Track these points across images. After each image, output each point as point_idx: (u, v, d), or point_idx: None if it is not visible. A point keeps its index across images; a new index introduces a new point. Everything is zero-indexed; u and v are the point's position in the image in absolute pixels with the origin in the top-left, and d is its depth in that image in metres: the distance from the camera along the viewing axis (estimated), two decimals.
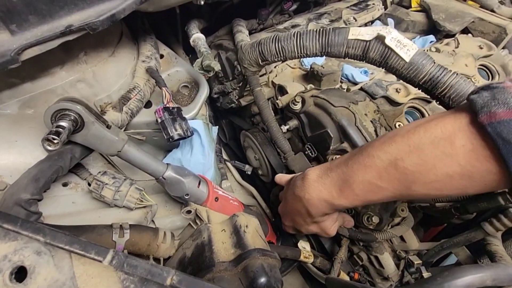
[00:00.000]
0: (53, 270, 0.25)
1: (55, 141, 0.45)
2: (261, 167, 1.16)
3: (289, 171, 0.82)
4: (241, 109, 1.14)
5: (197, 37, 0.75)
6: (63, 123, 0.47)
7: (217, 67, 0.66)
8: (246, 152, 1.19)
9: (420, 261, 0.76)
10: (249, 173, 1.13)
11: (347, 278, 0.83)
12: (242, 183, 1.12)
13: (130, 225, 0.51)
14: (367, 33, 0.56)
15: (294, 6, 1.31)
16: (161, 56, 0.78)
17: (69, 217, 0.58)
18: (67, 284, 0.24)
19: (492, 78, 1.01)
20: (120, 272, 0.25)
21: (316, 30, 0.62)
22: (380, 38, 0.54)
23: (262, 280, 0.42)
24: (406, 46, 0.52)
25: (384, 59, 0.55)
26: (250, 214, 0.78)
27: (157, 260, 0.54)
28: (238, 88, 1.03)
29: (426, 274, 0.73)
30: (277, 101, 0.89)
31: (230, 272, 0.44)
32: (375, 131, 0.75)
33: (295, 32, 0.66)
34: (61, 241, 0.25)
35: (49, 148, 0.45)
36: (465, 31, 1.09)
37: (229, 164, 1.15)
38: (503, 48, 1.10)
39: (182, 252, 0.53)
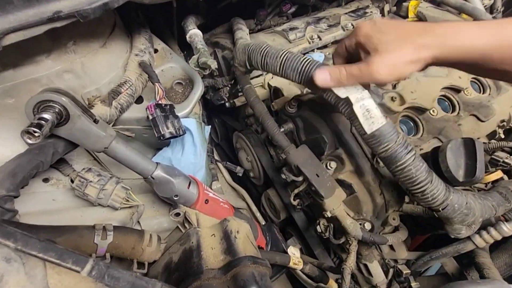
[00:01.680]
0: (24, 280, 0.22)
1: (36, 134, 0.42)
2: (253, 170, 1.15)
3: (290, 168, 0.74)
4: (235, 110, 1.12)
5: (194, 33, 0.72)
6: (46, 115, 0.44)
7: (213, 65, 0.63)
8: (238, 153, 1.17)
9: (409, 271, 0.76)
10: (241, 175, 1.11)
11: (335, 285, 0.82)
12: (233, 185, 1.10)
13: (114, 226, 0.49)
14: (344, 87, 0.54)
15: (293, 9, 1.30)
16: (155, 51, 0.75)
17: (48, 216, 0.54)
18: None
19: (483, 92, 1.02)
20: (100, 284, 0.23)
21: (301, 61, 0.59)
22: (348, 102, 0.53)
23: None
24: (372, 118, 0.52)
25: (351, 120, 0.55)
26: (241, 219, 0.76)
27: (141, 264, 0.51)
28: (229, 85, 1.01)
29: (414, 284, 0.73)
30: (272, 104, 0.88)
31: (219, 280, 0.42)
32: None
33: (283, 53, 0.63)
34: (34, 247, 0.22)
35: (29, 141, 0.42)
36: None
37: (220, 165, 1.13)
38: None
39: (169, 256, 0.50)
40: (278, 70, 0.63)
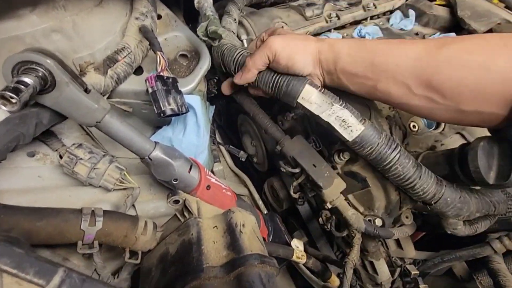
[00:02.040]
0: None
1: (13, 101, 0.35)
2: (257, 155, 1.09)
3: (286, 159, 0.73)
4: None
5: None
6: (26, 79, 0.37)
7: (224, 34, 0.56)
8: (243, 137, 1.11)
9: (417, 272, 0.72)
10: (243, 159, 1.05)
11: (337, 280, 0.78)
12: (235, 170, 1.04)
13: (104, 211, 0.43)
14: (316, 103, 0.55)
15: None
16: (159, 17, 0.67)
17: (32, 194, 0.49)
18: None
19: None
20: None
21: (273, 75, 0.58)
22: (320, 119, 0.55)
23: None
24: (350, 127, 0.53)
25: (330, 131, 0.56)
26: (244, 208, 0.71)
27: (134, 253, 0.46)
28: (215, 79, 0.93)
29: (423, 286, 0.70)
30: None
31: (221, 279, 0.37)
32: (390, 129, 0.68)
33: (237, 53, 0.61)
34: None
35: (5, 108, 0.35)
36: (489, 32, 1.02)
37: (222, 148, 1.07)
38: None
39: (165, 247, 0.45)
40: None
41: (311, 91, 0.54)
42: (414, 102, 0.50)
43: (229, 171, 1.04)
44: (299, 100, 0.56)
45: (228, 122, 1.27)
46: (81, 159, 0.52)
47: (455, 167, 0.58)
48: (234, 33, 0.76)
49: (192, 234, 0.43)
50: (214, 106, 0.93)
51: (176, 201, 0.47)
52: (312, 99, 0.55)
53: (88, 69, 0.51)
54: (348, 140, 0.54)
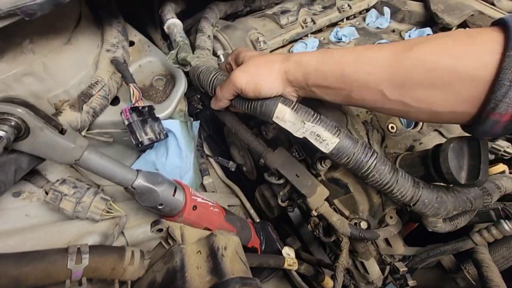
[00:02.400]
0: None
1: None
2: (245, 164, 1.11)
3: (271, 172, 0.75)
4: None
5: (172, 23, 0.65)
6: (0, 131, 0.39)
7: (194, 61, 0.57)
8: (230, 148, 1.13)
9: (406, 269, 0.74)
10: (233, 169, 1.07)
11: (331, 282, 0.81)
12: (226, 181, 1.06)
13: (90, 247, 0.45)
14: (290, 121, 0.56)
15: None
16: (131, 43, 0.68)
17: (20, 234, 0.50)
18: None
19: None
20: None
21: (245, 100, 0.60)
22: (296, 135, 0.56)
23: None
24: (325, 141, 0.55)
25: (307, 145, 0.57)
26: (233, 221, 0.73)
27: (123, 283, 0.48)
28: (199, 95, 0.94)
29: (411, 283, 0.72)
30: None
31: None
32: (367, 134, 0.70)
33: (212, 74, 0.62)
34: None
35: None
36: (463, 25, 1.04)
37: (211, 160, 1.08)
38: None
39: (153, 275, 0.47)
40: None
41: (284, 110, 0.56)
42: (389, 106, 0.51)
43: (220, 182, 1.06)
44: (274, 119, 0.57)
45: (217, 131, 1.29)
46: (65, 195, 0.53)
47: (430, 169, 0.60)
48: (209, 50, 0.77)
49: (176, 262, 0.45)
50: (199, 121, 0.94)
51: (160, 230, 0.49)
52: (286, 117, 0.56)
53: (64, 107, 0.52)
54: (325, 152, 0.56)
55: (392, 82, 0.48)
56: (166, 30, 0.65)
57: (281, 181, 0.73)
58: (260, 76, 0.54)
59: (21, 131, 0.42)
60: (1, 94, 0.47)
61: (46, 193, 0.55)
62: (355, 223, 0.72)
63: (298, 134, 0.56)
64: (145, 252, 0.52)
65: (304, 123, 0.54)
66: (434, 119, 0.51)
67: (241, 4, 1.08)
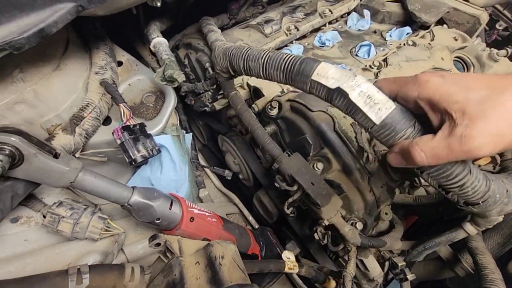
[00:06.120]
0: None
1: None
2: (241, 172, 1.12)
3: (283, 177, 0.70)
4: (216, 112, 1.08)
5: (158, 42, 0.67)
6: None
7: (180, 78, 0.59)
8: (225, 156, 1.14)
9: (404, 263, 0.75)
10: (229, 178, 1.08)
11: (333, 283, 0.81)
12: (223, 190, 1.07)
13: (90, 266, 0.45)
14: (334, 78, 0.45)
15: None
16: (120, 64, 0.70)
17: (20, 259, 0.51)
18: None
19: (467, 70, 1.00)
20: None
21: (284, 58, 0.52)
22: (342, 93, 0.44)
23: None
24: (377, 104, 0.41)
25: (351, 113, 0.45)
26: (231, 230, 0.74)
27: None
28: (211, 91, 0.96)
29: (410, 276, 0.73)
30: (253, 105, 0.84)
31: None
32: (355, 136, 0.72)
33: (264, 54, 0.57)
34: None
35: None
36: (440, 21, 1.08)
37: (207, 170, 1.09)
38: (477, 36, 1.10)
39: None
40: (261, 73, 0.57)
41: (328, 66, 0.47)
42: None
43: (217, 192, 1.07)
44: (314, 77, 0.47)
45: (213, 141, 1.30)
46: (63, 217, 0.54)
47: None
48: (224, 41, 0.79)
49: (175, 275, 0.46)
50: (191, 134, 0.96)
51: (158, 244, 0.50)
52: (329, 74, 0.46)
53: (57, 131, 0.54)
54: (375, 124, 0.42)
55: None
56: (152, 49, 0.67)
57: (294, 188, 0.68)
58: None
59: (16, 159, 0.43)
60: None
61: (44, 217, 0.56)
62: (352, 223, 0.73)
63: (345, 87, 0.43)
64: (145, 267, 0.53)
65: (355, 76, 0.43)
66: None
67: (226, 18, 1.11)
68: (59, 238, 0.58)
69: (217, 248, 0.49)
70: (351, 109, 0.43)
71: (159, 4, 0.53)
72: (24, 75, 0.50)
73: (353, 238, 0.66)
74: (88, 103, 0.57)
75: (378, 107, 0.41)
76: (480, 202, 0.44)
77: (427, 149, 0.38)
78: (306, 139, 0.73)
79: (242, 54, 0.60)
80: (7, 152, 0.42)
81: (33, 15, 0.36)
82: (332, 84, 0.44)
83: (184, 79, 0.61)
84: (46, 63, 0.52)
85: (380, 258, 0.83)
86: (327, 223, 0.66)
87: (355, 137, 0.72)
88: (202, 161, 1.10)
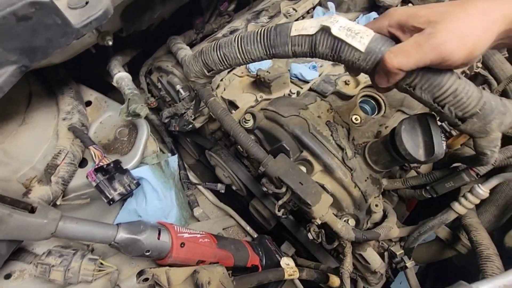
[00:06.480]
0: None
1: None
2: (233, 183, 1.12)
3: (270, 179, 0.70)
4: (199, 129, 1.08)
5: (119, 77, 0.67)
6: None
7: (143, 112, 0.59)
8: (215, 170, 1.14)
9: (402, 251, 0.75)
10: (223, 191, 1.09)
11: (337, 280, 0.82)
12: (218, 205, 1.08)
13: None
14: (312, 26, 0.47)
15: (232, 6, 1.24)
16: (89, 103, 0.71)
17: None
18: None
19: None
20: None
21: (257, 31, 0.53)
22: (326, 30, 0.46)
23: None
24: (358, 34, 0.44)
25: (336, 53, 0.46)
26: (225, 247, 0.75)
27: None
28: (191, 107, 0.97)
29: (409, 264, 0.73)
30: None
31: None
32: (331, 135, 0.72)
33: (236, 36, 0.57)
34: None
35: None
36: (406, 1, 1.07)
37: (200, 187, 1.10)
38: None
39: None
40: (238, 55, 0.57)
41: (302, 21, 0.49)
42: None
43: (213, 207, 1.07)
44: (293, 33, 0.49)
45: (205, 155, 1.31)
46: (53, 266, 0.55)
47: (392, 153, 0.62)
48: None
49: None
50: (176, 155, 0.97)
51: (146, 279, 0.50)
52: (306, 25, 0.48)
53: (32, 183, 0.55)
54: (362, 52, 0.44)
55: None
56: (115, 84, 0.68)
57: (282, 190, 0.67)
58: (480, 40, 0.39)
59: None
60: None
61: (36, 266, 0.57)
62: (345, 220, 0.73)
63: (326, 24, 0.45)
64: None
65: (333, 16, 0.46)
66: None
67: (193, 33, 1.11)
68: (55, 286, 0.59)
69: (203, 274, 0.49)
70: (336, 45, 0.46)
71: (110, 43, 0.54)
72: None
73: (347, 234, 0.66)
74: (60, 150, 0.58)
75: (360, 36, 0.44)
76: (478, 110, 0.44)
77: (397, 51, 0.42)
78: (283, 146, 0.73)
79: (213, 47, 0.59)
80: None
81: None
82: (313, 31, 0.47)
83: (148, 111, 0.62)
84: (9, 121, 0.54)
85: (381, 249, 0.83)
86: (319, 222, 0.66)
87: (332, 136, 0.73)
88: (193, 179, 1.10)
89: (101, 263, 0.60)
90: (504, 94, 0.98)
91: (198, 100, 0.89)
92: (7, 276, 0.57)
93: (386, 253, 0.80)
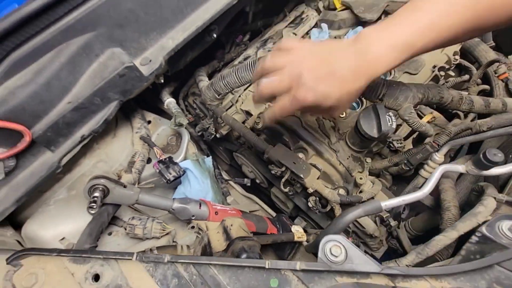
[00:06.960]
0: (111, 272, 0.49)
1: (94, 207, 0.71)
2: (257, 177, 1.39)
3: (273, 163, 0.96)
4: (227, 137, 1.38)
5: (168, 102, 1.01)
6: (96, 194, 0.74)
7: (184, 121, 0.90)
8: (242, 168, 1.42)
9: (388, 214, 0.93)
10: (249, 184, 1.36)
11: None
12: (246, 194, 1.35)
13: (157, 247, 0.76)
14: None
15: (247, 37, 1.55)
16: (149, 122, 1.05)
17: None
18: (119, 277, 0.48)
19: None
20: (145, 264, 0.49)
21: (246, 62, 0.79)
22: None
23: (243, 256, 0.64)
24: None
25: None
26: (248, 218, 1.00)
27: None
28: (212, 123, 1.27)
29: (393, 223, 0.91)
30: (245, 125, 1.12)
31: (225, 255, 0.66)
32: (319, 127, 0.95)
33: (233, 67, 0.86)
34: (108, 254, 0.49)
35: (92, 212, 0.71)
36: (386, 14, 1.27)
37: (231, 182, 1.39)
38: None
39: (195, 254, 0.76)
40: (236, 80, 0.83)
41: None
42: None
43: (241, 197, 1.35)
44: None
45: (235, 160, 1.60)
46: (136, 225, 0.87)
47: (359, 135, 0.84)
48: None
49: (205, 241, 0.74)
50: (211, 157, 1.27)
51: (192, 227, 0.78)
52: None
53: (121, 173, 0.88)
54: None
55: None
56: (165, 107, 1.01)
57: (283, 169, 0.92)
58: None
59: (105, 192, 0.77)
60: (89, 177, 0.83)
61: (125, 229, 0.89)
62: (337, 193, 0.94)
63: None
64: (190, 246, 0.82)
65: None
66: None
67: (216, 63, 1.44)
68: (137, 240, 0.90)
69: (228, 221, 0.76)
70: None
71: (162, 81, 0.86)
72: (99, 145, 0.86)
73: (333, 197, 0.88)
74: (136, 152, 0.91)
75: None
76: (384, 92, 0.69)
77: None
78: (284, 139, 0.98)
79: (219, 78, 0.88)
80: (101, 188, 0.75)
81: (100, 113, 0.70)
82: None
83: (187, 121, 0.92)
84: (107, 135, 0.88)
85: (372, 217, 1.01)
86: (311, 190, 0.89)
87: (319, 127, 0.96)
88: (226, 176, 1.40)
89: (165, 225, 0.90)
90: (485, 77, 1.12)
91: (215, 117, 1.19)
92: (109, 233, 0.90)
93: (377, 219, 0.97)
